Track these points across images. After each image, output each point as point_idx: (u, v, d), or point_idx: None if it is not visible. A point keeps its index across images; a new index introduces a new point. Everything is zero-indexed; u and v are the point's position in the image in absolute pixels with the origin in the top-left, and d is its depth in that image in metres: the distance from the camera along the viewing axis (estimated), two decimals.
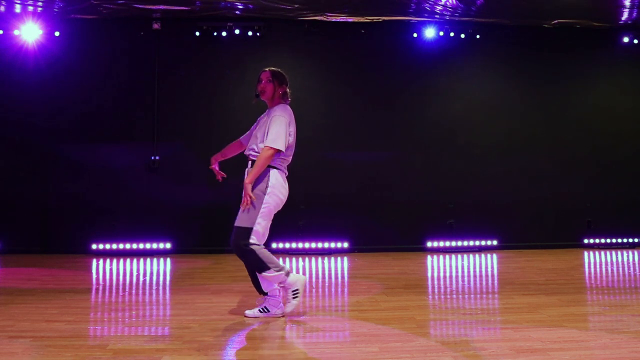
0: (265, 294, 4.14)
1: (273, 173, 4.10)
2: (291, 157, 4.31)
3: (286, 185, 4.21)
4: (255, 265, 4.05)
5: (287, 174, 4.27)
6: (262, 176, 4.07)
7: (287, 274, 4.10)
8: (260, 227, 4.05)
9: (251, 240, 4.01)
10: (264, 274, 4.04)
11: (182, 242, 7.72)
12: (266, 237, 4.14)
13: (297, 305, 4.19)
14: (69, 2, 7.07)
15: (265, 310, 4.14)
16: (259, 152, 4.10)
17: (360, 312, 4.36)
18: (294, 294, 4.13)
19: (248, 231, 4.01)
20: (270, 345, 3.56)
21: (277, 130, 4.06)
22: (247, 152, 4.27)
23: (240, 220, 4.05)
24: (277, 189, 4.10)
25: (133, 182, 7.72)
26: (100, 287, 5.57)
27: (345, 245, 7.88)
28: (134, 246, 7.59)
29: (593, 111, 8.44)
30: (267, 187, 4.05)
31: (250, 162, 4.19)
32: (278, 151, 4.06)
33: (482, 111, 8.27)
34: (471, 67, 8.31)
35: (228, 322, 4.03)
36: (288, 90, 4.33)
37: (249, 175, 4.04)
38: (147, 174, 7.77)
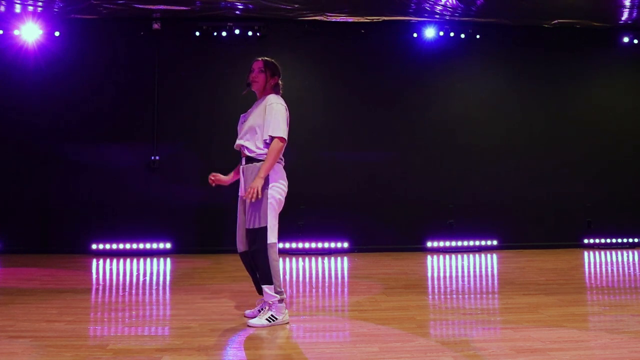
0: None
1: None
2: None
3: (284, 175, 4.05)
4: (262, 273, 3.92)
5: (283, 163, 4.09)
6: (257, 172, 3.90)
7: (281, 300, 3.97)
8: (273, 222, 3.92)
9: (269, 241, 3.89)
10: (264, 286, 3.93)
11: (182, 242, 7.72)
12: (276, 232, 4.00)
13: (263, 327, 3.89)
14: (69, 2, 7.08)
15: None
16: (256, 149, 3.93)
17: (360, 312, 4.35)
18: (270, 318, 3.96)
19: (263, 230, 3.89)
20: (270, 345, 3.56)
21: (280, 120, 3.89)
22: (239, 146, 4.04)
23: (252, 222, 3.90)
24: (277, 181, 3.96)
25: (133, 182, 7.72)
26: (100, 287, 5.57)
27: (345, 245, 7.88)
28: (134, 246, 7.59)
29: (593, 111, 8.44)
30: (266, 182, 3.90)
31: (244, 159, 4.00)
32: (282, 140, 3.88)
33: (482, 111, 8.27)
34: (471, 67, 8.31)
35: (228, 322, 4.02)
36: (280, 82, 4.16)
37: (262, 169, 3.82)
38: (147, 174, 7.77)
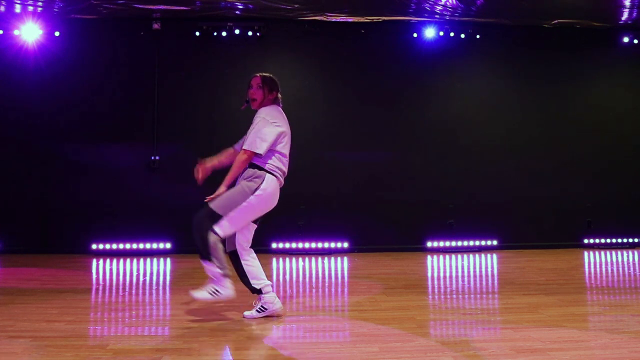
0: (260, 292, 4.11)
1: (269, 178, 3.99)
2: (287, 160, 4.17)
3: (277, 195, 4.08)
4: (203, 250, 3.93)
5: (282, 184, 4.13)
6: (258, 177, 3.98)
7: (225, 275, 3.98)
8: (230, 222, 3.93)
9: (215, 229, 3.90)
10: (204, 262, 3.96)
11: (182, 242, 7.70)
12: (230, 234, 3.99)
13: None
14: (69, 2, 7.07)
15: (263, 309, 4.11)
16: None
17: (360, 312, 4.36)
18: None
19: (216, 218, 3.91)
20: (270, 345, 3.56)
21: (257, 133, 3.97)
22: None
23: (216, 204, 3.92)
24: (266, 195, 3.99)
25: (133, 182, 7.71)
26: (100, 287, 5.57)
27: (345, 245, 7.88)
28: (134, 246, 7.59)
29: (593, 111, 8.44)
30: (257, 188, 3.95)
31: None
32: (255, 154, 3.95)
33: (482, 111, 8.27)
34: (471, 67, 8.31)
35: (228, 322, 4.03)
36: (279, 95, 4.23)
37: (225, 180, 3.94)
38: (147, 174, 7.77)
